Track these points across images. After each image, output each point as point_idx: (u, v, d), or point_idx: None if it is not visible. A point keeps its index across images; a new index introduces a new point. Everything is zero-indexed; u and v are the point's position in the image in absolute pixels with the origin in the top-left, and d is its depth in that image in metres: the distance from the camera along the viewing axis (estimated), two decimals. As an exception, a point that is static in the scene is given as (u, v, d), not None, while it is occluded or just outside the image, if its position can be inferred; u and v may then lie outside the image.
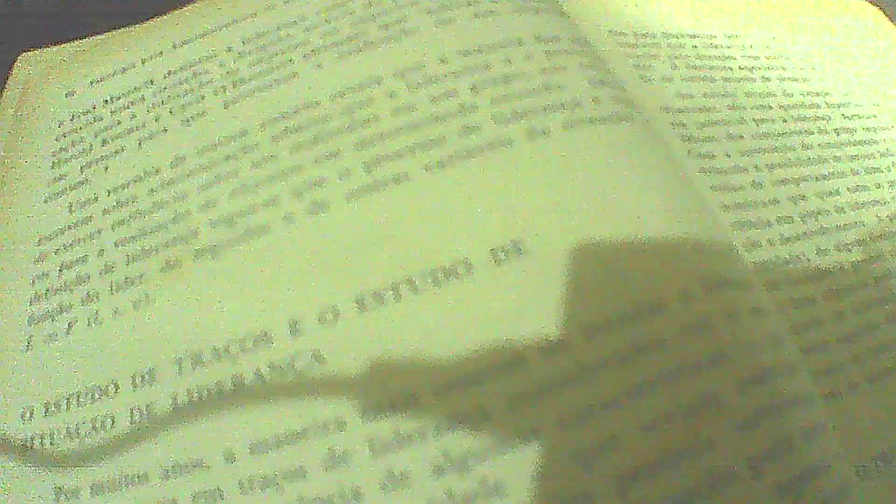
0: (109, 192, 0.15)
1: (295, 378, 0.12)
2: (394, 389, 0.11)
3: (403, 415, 0.11)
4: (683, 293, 0.12)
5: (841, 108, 0.18)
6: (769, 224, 0.15)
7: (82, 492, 0.13)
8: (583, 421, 0.11)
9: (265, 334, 0.12)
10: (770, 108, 0.17)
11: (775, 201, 0.16)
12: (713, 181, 0.15)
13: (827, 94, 0.18)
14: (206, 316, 0.13)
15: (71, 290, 0.15)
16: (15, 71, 0.20)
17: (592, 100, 0.14)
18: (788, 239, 0.15)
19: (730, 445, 0.11)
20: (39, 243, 0.16)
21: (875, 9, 0.23)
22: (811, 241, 0.16)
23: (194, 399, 0.12)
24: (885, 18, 0.23)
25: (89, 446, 0.13)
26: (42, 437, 0.14)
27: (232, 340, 0.12)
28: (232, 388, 0.12)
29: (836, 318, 0.15)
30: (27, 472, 0.13)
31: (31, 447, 0.13)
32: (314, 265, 0.12)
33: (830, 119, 0.18)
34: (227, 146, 0.15)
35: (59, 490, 0.13)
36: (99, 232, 0.15)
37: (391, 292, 0.12)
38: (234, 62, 0.16)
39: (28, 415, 0.14)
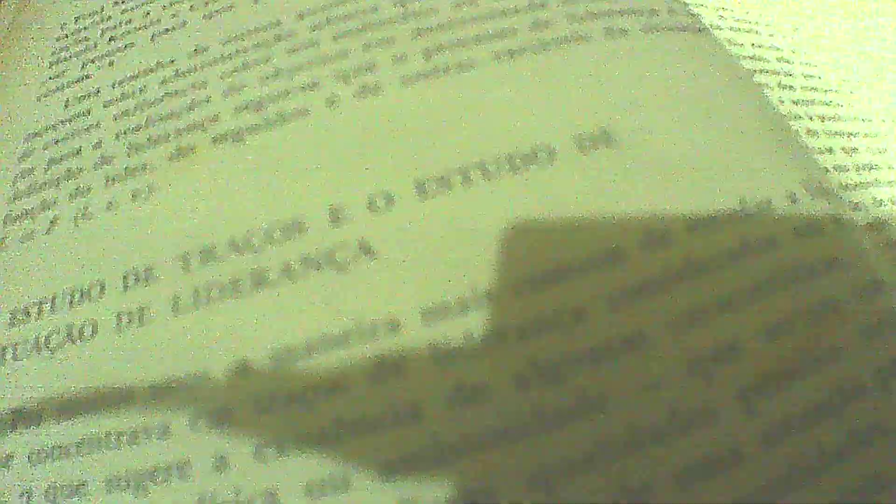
0: (114, 85, 0.12)
1: (335, 272, 0.09)
2: (463, 285, 0.08)
3: (476, 315, 0.08)
4: (790, 194, 0.09)
5: (885, 72, 0.16)
6: (827, 171, 0.13)
7: (45, 416, 0.09)
8: (696, 324, 0.08)
9: (297, 223, 0.09)
10: (816, 65, 0.15)
11: (830, 150, 0.14)
12: (770, 126, 0.13)
13: (871, 59, 0.17)
14: (223, 205, 0.10)
15: (58, 185, 0.11)
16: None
17: (668, 10, 0.11)
18: (846, 187, 0.13)
19: (856, 355, 0.08)
20: (26, 140, 0.12)
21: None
22: (868, 191, 0.13)
23: (201, 300, 0.09)
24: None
25: (60, 360, 0.09)
26: (4, 351, 0.10)
27: (254, 230, 0.09)
28: (252, 285, 0.09)
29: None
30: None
31: (-11, 362, 0.10)
32: (363, 149, 0.09)
33: (875, 82, 0.16)
34: (258, 35, 0.11)
35: (17, 413, 0.09)
36: (98, 124, 0.11)
37: (459, 177, 0.09)
38: (267, -39, 0.13)
39: (-11, 325, 0.10)
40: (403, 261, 0.08)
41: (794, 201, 0.09)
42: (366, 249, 0.09)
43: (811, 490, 0.07)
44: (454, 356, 0.08)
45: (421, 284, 0.08)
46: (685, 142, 0.09)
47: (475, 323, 0.08)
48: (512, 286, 0.08)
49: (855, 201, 0.13)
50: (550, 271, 0.08)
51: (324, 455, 0.08)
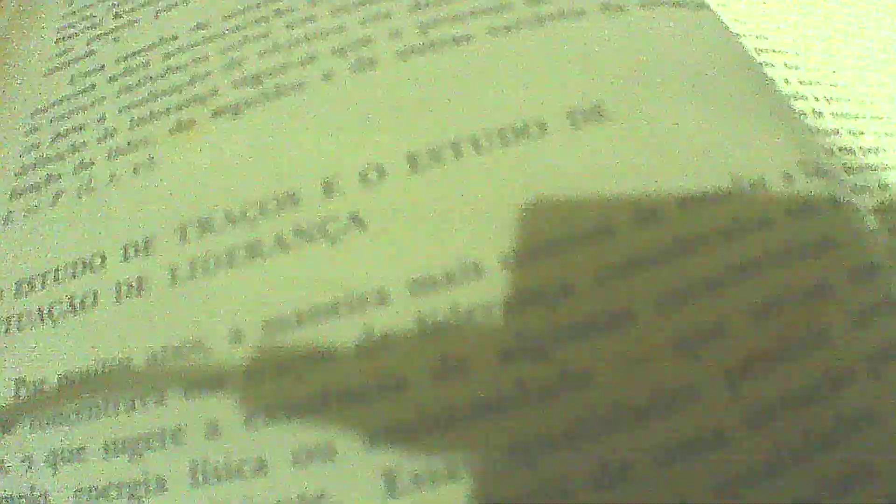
0: (118, 61, 0.12)
1: (327, 244, 0.08)
2: (451, 258, 0.08)
3: (463, 288, 0.08)
4: (784, 174, 0.09)
5: (895, 55, 0.16)
6: (832, 153, 0.13)
7: (48, 383, 0.09)
8: (684, 301, 0.08)
9: (291, 195, 0.09)
10: (824, 45, 0.15)
11: (836, 131, 0.13)
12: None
13: (880, 41, 0.16)
14: (220, 177, 0.09)
15: (62, 160, 0.11)
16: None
17: (669, -14, 0.11)
18: (851, 169, 0.13)
19: (847, 339, 0.08)
20: (33, 115, 0.12)
21: None
22: (874, 174, 0.13)
23: (198, 271, 0.09)
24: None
25: (62, 330, 0.10)
26: (9, 321, 0.10)
27: (250, 202, 0.09)
28: (246, 255, 0.09)
29: (903, 253, 0.12)
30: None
31: (-4, 332, 0.10)
32: (357, 122, 0.09)
33: (884, 64, 0.15)
34: (258, 10, 0.11)
35: (20, 382, 0.09)
36: (102, 99, 0.11)
37: (450, 150, 0.09)
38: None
39: (-4, 296, 0.10)
40: (393, 233, 0.08)
41: (789, 180, 0.09)
42: (357, 221, 0.08)
43: (796, 475, 0.07)
44: (440, 329, 0.08)
45: (409, 257, 0.08)
46: (679, 118, 0.09)
47: (462, 296, 0.08)
48: (499, 260, 0.08)
49: (860, 184, 0.12)
50: (539, 246, 0.08)
51: (311, 424, 0.08)
